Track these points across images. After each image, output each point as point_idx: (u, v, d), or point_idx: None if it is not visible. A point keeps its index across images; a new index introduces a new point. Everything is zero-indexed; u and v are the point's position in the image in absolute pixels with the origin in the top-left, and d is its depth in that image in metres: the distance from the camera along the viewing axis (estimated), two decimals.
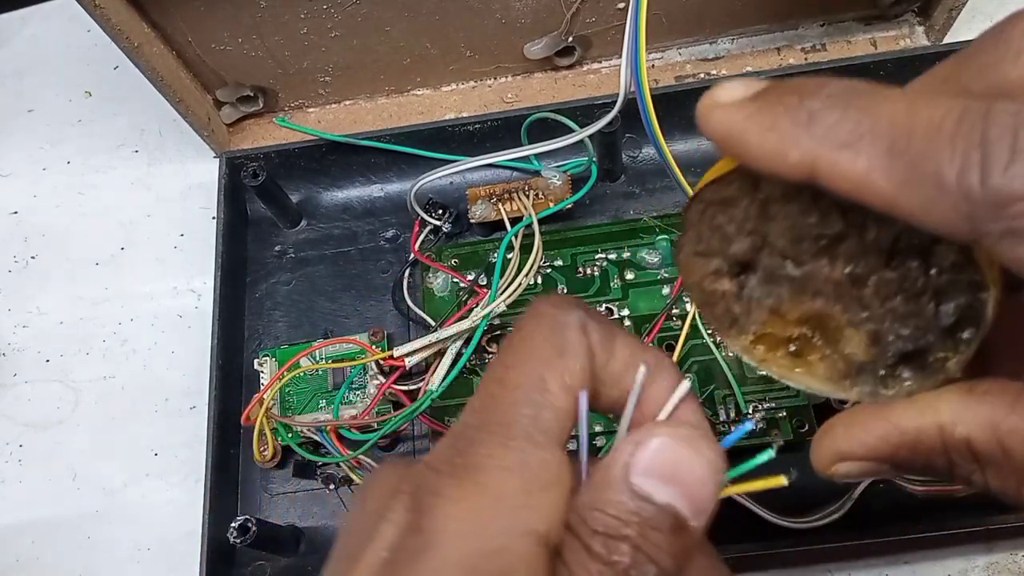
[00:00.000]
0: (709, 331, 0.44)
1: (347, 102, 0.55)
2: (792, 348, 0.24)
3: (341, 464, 0.44)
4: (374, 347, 0.45)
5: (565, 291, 0.46)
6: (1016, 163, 0.15)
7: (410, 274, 0.49)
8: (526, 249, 0.46)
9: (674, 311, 0.45)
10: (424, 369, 0.45)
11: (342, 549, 0.23)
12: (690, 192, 0.39)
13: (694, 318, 0.44)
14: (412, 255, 0.49)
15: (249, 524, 0.40)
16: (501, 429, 0.22)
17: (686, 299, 0.45)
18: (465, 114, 0.53)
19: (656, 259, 0.46)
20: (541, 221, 0.47)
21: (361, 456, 0.43)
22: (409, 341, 0.44)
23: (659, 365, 0.23)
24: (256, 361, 0.47)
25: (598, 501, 0.21)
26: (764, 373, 0.40)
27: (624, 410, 0.23)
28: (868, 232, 0.21)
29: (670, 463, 0.21)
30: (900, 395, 0.22)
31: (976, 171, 0.16)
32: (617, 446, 0.22)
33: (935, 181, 0.16)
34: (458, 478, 0.21)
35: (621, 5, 0.49)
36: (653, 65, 0.53)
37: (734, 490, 0.22)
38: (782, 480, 0.22)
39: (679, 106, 0.49)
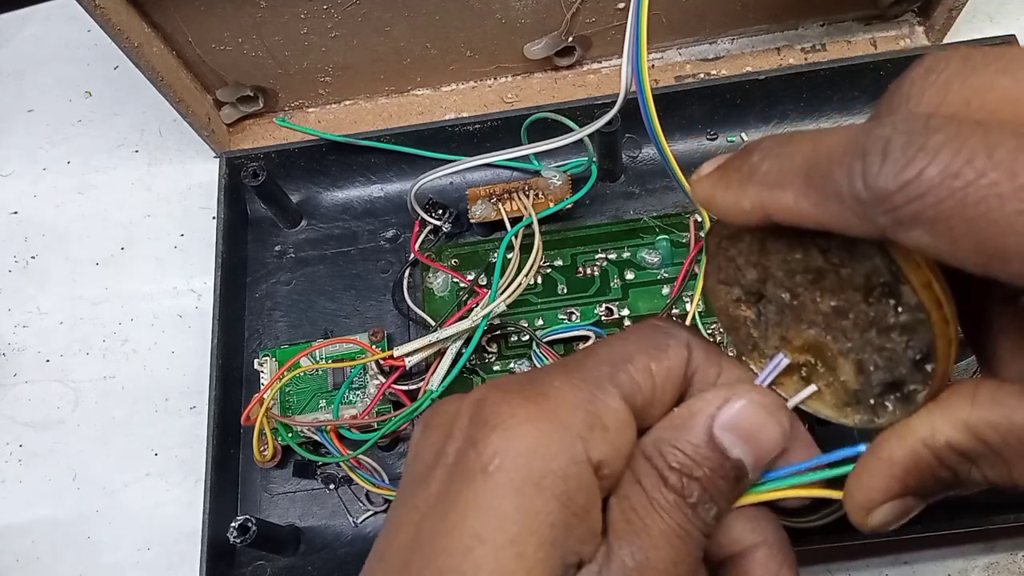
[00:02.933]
0: (708, 331, 0.44)
1: (347, 102, 0.55)
2: (803, 373, 0.26)
3: (341, 464, 0.44)
4: (374, 347, 0.45)
5: (565, 290, 0.46)
6: (886, 164, 0.18)
7: (410, 274, 0.49)
8: (526, 249, 0.46)
9: (674, 311, 0.45)
10: (424, 369, 0.45)
11: (411, 473, 0.25)
12: (691, 192, 0.39)
13: (694, 318, 0.44)
14: (412, 255, 0.49)
15: (249, 524, 0.40)
16: (577, 373, 0.24)
17: (686, 299, 0.45)
18: (465, 114, 0.53)
19: (656, 259, 0.46)
20: (541, 221, 0.47)
21: (361, 456, 0.43)
22: (409, 341, 0.44)
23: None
24: (256, 361, 0.47)
25: (677, 440, 0.24)
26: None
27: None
28: (843, 269, 0.23)
29: (751, 425, 0.24)
30: (888, 423, 0.24)
31: (859, 178, 0.19)
32: (705, 395, 0.25)
33: (836, 195, 0.20)
34: (527, 399, 0.23)
35: (621, 5, 0.49)
36: (653, 65, 0.53)
37: (808, 491, 0.25)
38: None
39: (679, 106, 0.49)
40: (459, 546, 0.22)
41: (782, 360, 0.26)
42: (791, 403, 0.26)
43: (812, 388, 0.26)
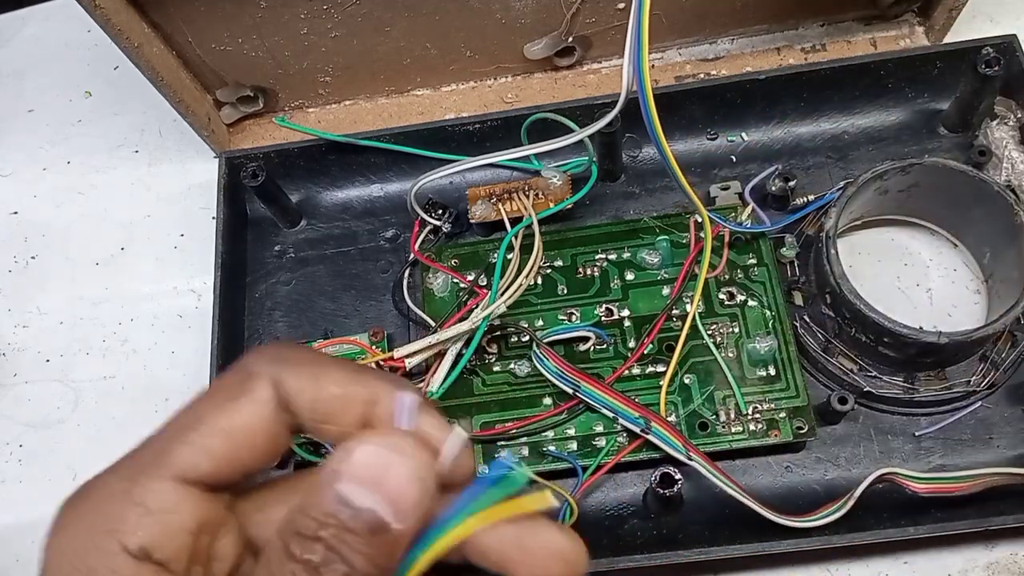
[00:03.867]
0: (708, 331, 0.44)
1: (347, 102, 0.55)
2: None
3: None
4: (374, 348, 0.45)
5: (565, 291, 0.46)
6: None
7: (410, 274, 0.49)
8: (526, 249, 0.46)
9: (674, 311, 0.45)
10: (424, 370, 0.45)
11: None
12: (691, 192, 0.39)
13: (694, 318, 0.44)
14: (412, 255, 0.49)
15: None
16: (130, 462, 0.25)
17: (686, 299, 0.45)
18: (465, 114, 0.53)
19: (656, 259, 0.46)
20: (541, 221, 0.47)
21: None
22: (409, 342, 0.44)
23: (382, 389, 0.25)
24: None
25: (304, 507, 0.22)
26: (763, 374, 0.41)
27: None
28: None
29: (374, 469, 0.22)
30: None
31: None
32: (331, 455, 0.23)
33: None
34: (74, 501, 0.24)
35: (621, 5, 0.49)
36: (653, 65, 0.53)
37: (490, 517, 0.22)
38: (549, 499, 0.22)
39: (679, 106, 0.49)
40: None
41: (413, 400, 0.23)
42: (443, 459, 0.23)
43: (459, 438, 0.23)
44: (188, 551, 0.24)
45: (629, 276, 0.46)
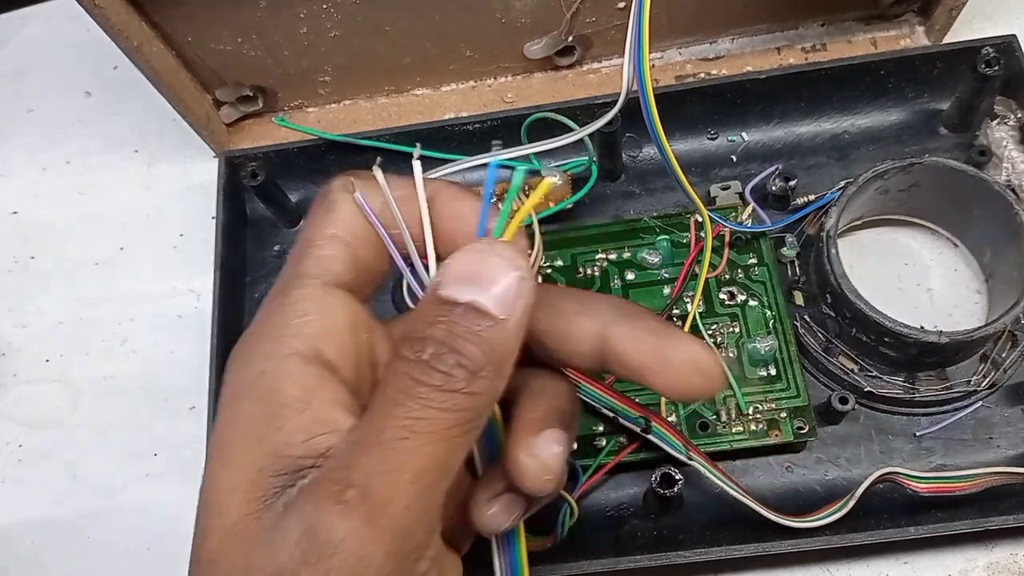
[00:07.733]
0: (709, 331, 0.44)
1: (347, 102, 0.55)
2: None
3: None
4: None
5: None
6: None
7: None
8: None
9: (674, 311, 0.45)
10: None
11: None
12: (691, 191, 0.39)
13: (695, 318, 0.44)
14: None
15: None
16: (276, 286, 0.27)
17: (686, 299, 0.45)
18: (465, 114, 0.53)
19: (656, 259, 0.46)
20: (541, 221, 0.47)
21: None
22: None
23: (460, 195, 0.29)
24: None
25: (413, 316, 0.24)
26: (764, 374, 0.41)
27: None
28: None
29: (470, 267, 0.24)
30: None
31: None
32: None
33: None
34: (243, 336, 0.27)
35: (621, 5, 0.49)
36: (653, 65, 0.53)
37: (527, 206, 0.25)
38: (555, 180, 0.27)
39: (680, 106, 0.49)
40: (207, 470, 0.25)
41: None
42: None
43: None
44: (351, 352, 0.26)
45: (629, 276, 0.46)
